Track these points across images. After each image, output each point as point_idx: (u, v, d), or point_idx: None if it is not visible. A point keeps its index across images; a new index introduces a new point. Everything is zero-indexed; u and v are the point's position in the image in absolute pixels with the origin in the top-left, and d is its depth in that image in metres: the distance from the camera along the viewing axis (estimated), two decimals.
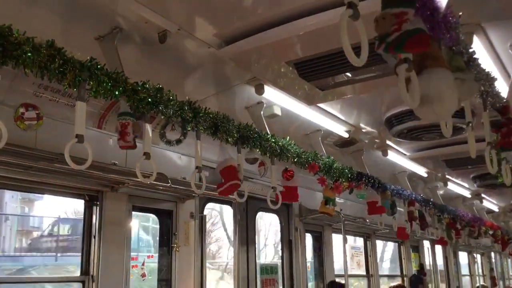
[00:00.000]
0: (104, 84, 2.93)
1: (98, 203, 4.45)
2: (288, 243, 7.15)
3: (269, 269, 6.67)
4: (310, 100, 4.82)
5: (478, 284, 14.47)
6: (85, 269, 4.37)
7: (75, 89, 2.85)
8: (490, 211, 13.05)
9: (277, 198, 4.46)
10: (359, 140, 6.36)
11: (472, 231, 9.96)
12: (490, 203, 12.14)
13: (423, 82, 2.21)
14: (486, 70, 3.27)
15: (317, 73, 4.16)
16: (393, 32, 1.99)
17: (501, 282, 18.36)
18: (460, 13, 2.61)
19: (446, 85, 2.25)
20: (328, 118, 5.49)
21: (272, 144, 4.38)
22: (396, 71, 2.07)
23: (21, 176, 3.81)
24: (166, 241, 5.22)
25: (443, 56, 2.47)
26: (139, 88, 3.15)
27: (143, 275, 4.93)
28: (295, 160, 4.68)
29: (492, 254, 17.71)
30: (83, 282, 4.32)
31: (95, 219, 4.44)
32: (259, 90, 4.45)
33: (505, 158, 3.69)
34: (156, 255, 5.18)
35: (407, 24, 2.00)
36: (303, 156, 4.76)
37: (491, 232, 11.64)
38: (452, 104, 2.29)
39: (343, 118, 5.64)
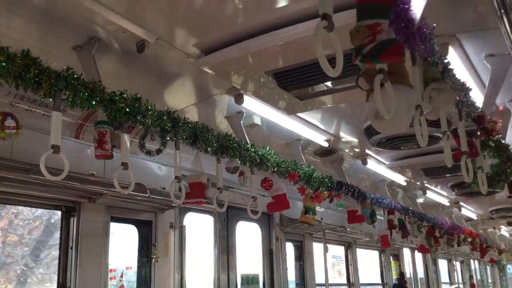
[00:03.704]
0: (81, 94, 2.90)
1: (75, 214, 4.39)
2: (269, 253, 7.14)
3: (250, 279, 6.64)
4: (289, 110, 4.83)
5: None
6: (62, 281, 4.30)
7: (51, 99, 2.82)
8: (468, 219, 13.21)
9: (271, 209, 4.53)
10: (339, 149, 6.40)
11: (450, 239, 10.07)
12: (469, 211, 12.30)
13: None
14: (461, 80, 3.33)
15: (296, 83, 4.18)
16: (368, 44, 2.02)
17: None
18: (435, 25, 2.65)
19: (402, 104, 2.27)
20: (308, 128, 5.51)
21: (252, 153, 4.38)
22: (357, 83, 2.12)
23: None
24: (145, 252, 5.17)
25: (406, 73, 2.49)
26: (117, 98, 3.13)
27: (122, 287, 4.86)
28: (275, 169, 4.68)
29: (472, 261, 17.93)
30: None
31: (72, 230, 4.37)
32: (239, 99, 4.45)
33: (481, 167, 3.75)
34: (135, 266, 5.12)
35: (381, 35, 2.04)
36: (283, 166, 4.77)
37: (470, 240, 11.79)
38: (406, 120, 2.33)
39: (323, 127, 5.66)
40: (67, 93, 2.85)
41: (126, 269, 4.99)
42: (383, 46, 2.00)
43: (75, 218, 4.39)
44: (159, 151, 3.92)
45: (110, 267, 4.68)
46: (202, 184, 3.99)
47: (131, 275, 5.07)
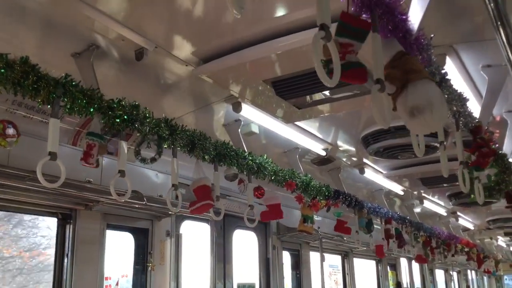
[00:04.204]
0: (79, 101, 2.91)
1: (71, 221, 4.37)
2: (266, 261, 7.11)
3: None
4: (287, 118, 4.84)
5: None
6: None
7: (49, 106, 2.82)
8: (466, 229, 13.21)
9: (264, 218, 4.52)
10: (337, 158, 6.41)
11: (446, 249, 10.06)
12: (466, 221, 12.30)
13: (410, 94, 2.24)
14: (459, 91, 3.35)
15: (294, 92, 4.19)
16: None
17: None
18: (432, 35, 2.67)
19: (435, 93, 2.28)
20: (306, 136, 5.52)
21: (249, 162, 4.38)
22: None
23: None
24: (141, 260, 5.14)
25: (424, 69, 2.51)
26: (115, 105, 3.13)
27: None
28: (273, 178, 4.69)
29: (469, 271, 17.90)
30: None
31: (68, 237, 4.35)
32: (237, 108, 4.46)
33: (478, 177, 3.76)
34: (131, 274, 5.09)
35: (351, 55, 2.07)
36: (280, 174, 4.77)
37: (466, 250, 11.78)
38: (443, 111, 2.32)
39: (320, 136, 5.67)
40: (65, 100, 2.86)
41: (122, 277, 4.96)
42: (348, 67, 2.04)
43: (71, 225, 4.36)
44: (153, 160, 3.90)
45: (105, 275, 4.65)
46: (207, 187, 3.96)
47: (127, 283, 5.04)
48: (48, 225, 4.48)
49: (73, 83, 2.90)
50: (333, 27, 1.89)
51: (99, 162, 3.28)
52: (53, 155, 2.75)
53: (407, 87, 2.27)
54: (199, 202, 3.89)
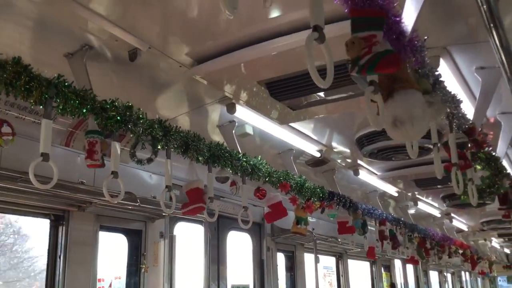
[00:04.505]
0: (72, 101, 2.89)
1: (64, 223, 4.34)
2: (260, 263, 7.10)
3: None
4: (282, 120, 4.83)
5: None
6: None
7: (41, 107, 2.80)
8: (460, 231, 13.25)
9: (269, 219, 4.57)
10: (331, 159, 6.41)
11: (440, 250, 10.09)
12: (460, 223, 12.33)
13: (395, 104, 2.25)
14: (452, 93, 3.35)
15: (289, 93, 4.19)
16: (364, 56, 2.03)
17: None
18: (426, 37, 2.67)
19: (418, 107, 2.28)
20: (300, 138, 5.51)
21: (244, 163, 4.37)
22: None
23: None
24: (134, 261, 5.12)
25: (412, 78, 2.51)
26: (108, 106, 3.11)
27: None
28: (267, 179, 4.68)
29: (463, 273, 17.95)
30: None
31: (60, 239, 4.33)
32: (231, 109, 4.45)
33: (471, 179, 3.76)
34: (124, 276, 5.06)
35: (377, 46, 2.04)
36: (274, 175, 4.76)
37: (461, 251, 11.82)
38: (424, 125, 2.32)
39: (315, 137, 5.67)
40: (58, 100, 2.84)
41: (115, 278, 4.94)
42: (379, 57, 2.01)
43: (64, 227, 4.34)
44: (150, 160, 3.89)
45: (98, 277, 4.63)
46: (199, 190, 3.95)
47: (120, 285, 5.01)
48: None
49: (66, 83, 2.88)
50: (327, 29, 1.88)
51: (104, 162, 3.25)
52: (45, 156, 2.73)
53: (393, 96, 2.28)
54: (192, 204, 3.89)
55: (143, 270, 5.03)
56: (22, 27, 3.28)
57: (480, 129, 4.15)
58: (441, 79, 3.10)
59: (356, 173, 6.93)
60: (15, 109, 3.64)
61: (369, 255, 7.63)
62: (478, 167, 4.40)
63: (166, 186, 3.61)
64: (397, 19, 2.28)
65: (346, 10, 2.10)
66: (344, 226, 6.21)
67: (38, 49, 3.51)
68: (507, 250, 19.79)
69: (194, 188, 3.92)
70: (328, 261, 9.58)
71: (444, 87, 3.18)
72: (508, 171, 5.07)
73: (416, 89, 2.36)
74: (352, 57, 2.05)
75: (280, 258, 7.78)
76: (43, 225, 4.38)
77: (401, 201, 9.47)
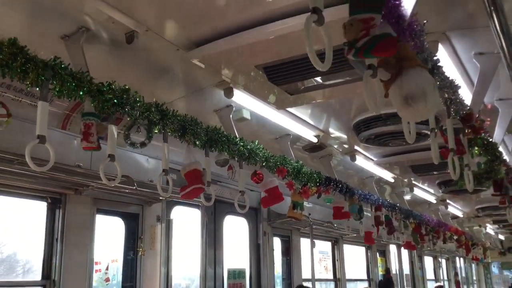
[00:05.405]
0: (68, 84, 2.87)
1: (61, 206, 4.35)
2: (256, 247, 7.14)
3: (236, 273, 6.64)
4: (279, 104, 4.82)
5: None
6: (46, 273, 4.26)
7: (38, 89, 2.78)
8: (455, 217, 13.34)
9: (265, 204, 4.66)
10: (328, 145, 6.41)
11: (435, 236, 10.16)
12: (455, 209, 12.41)
13: (405, 82, 2.23)
14: (450, 78, 3.34)
15: (286, 78, 4.17)
16: (362, 38, 2.01)
17: (465, 287, 18.80)
18: (425, 21, 2.65)
19: (428, 82, 2.27)
20: (298, 123, 5.51)
21: (241, 147, 4.36)
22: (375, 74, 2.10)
23: None
24: (131, 245, 5.14)
25: (416, 56, 2.50)
26: (105, 89, 3.09)
27: (107, 280, 4.84)
28: (264, 164, 4.67)
29: (457, 259, 18.12)
30: (44, 287, 4.22)
31: (57, 222, 4.33)
32: (228, 93, 4.43)
33: (468, 165, 3.77)
34: (121, 259, 5.09)
35: (374, 29, 2.03)
36: (271, 160, 4.76)
37: (455, 237, 11.91)
38: (437, 100, 2.31)
39: (312, 123, 5.67)
40: (54, 83, 2.82)
41: (112, 262, 4.96)
42: (377, 40, 2.00)
43: (61, 210, 4.35)
44: (143, 144, 3.87)
45: (95, 260, 4.65)
46: (198, 171, 3.92)
47: (117, 268, 5.04)
48: None
49: (62, 65, 2.86)
50: (325, 12, 1.86)
51: (100, 145, 3.23)
52: (42, 138, 2.72)
53: (402, 74, 2.26)
54: (190, 186, 3.87)
55: (140, 253, 5.05)
56: (18, 8, 3.25)
57: (477, 115, 4.15)
58: (439, 64, 3.09)
59: (353, 158, 6.94)
60: (11, 91, 3.62)
61: (367, 241, 7.67)
62: (476, 152, 4.41)
63: (163, 170, 3.60)
64: (397, 2, 2.26)
65: None
66: (339, 211, 6.23)
67: (35, 31, 3.47)
68: (501, 237, 19.96)
69: (192, 170, 3.90)
70: (324, 246, 9.65)
71: (443, 73, 3.17)
72: (504, 157, 5.09)
73: (423, 67, 2.35)
74: (349, 39, 2.03)
75: (277, 243, 7.83)
76: None
77: (397, 187, 9.51)
